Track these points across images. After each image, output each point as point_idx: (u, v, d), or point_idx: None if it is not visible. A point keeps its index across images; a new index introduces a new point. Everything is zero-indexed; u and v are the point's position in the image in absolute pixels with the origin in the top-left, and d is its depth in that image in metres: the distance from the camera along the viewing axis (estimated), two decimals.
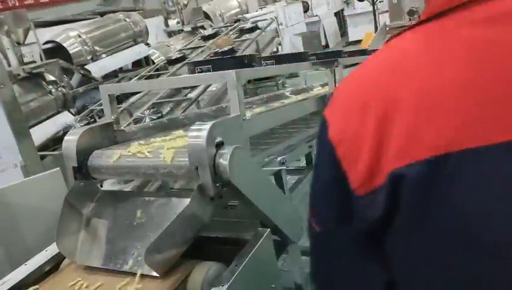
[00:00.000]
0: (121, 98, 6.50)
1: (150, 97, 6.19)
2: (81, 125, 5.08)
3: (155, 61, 8.00)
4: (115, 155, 1.64)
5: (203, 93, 5.74)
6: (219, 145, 1.46)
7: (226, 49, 6.77)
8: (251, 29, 7.90)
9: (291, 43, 9.91)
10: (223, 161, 1.42)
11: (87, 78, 6.52)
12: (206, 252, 1.56)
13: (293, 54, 2.69)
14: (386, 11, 10.97)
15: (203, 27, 9.55)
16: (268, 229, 1.56)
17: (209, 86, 5.93)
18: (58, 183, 2.09)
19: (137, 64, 8.11)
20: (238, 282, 1.34)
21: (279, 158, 1.93)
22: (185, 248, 1.42)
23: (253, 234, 1.56)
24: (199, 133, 1.42)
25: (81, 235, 1.64)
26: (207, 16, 10.12)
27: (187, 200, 1.50)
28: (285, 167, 1.90)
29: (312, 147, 2.22)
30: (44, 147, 4.87)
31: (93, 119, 5.72)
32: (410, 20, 7.32)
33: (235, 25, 8.54)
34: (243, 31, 7.98)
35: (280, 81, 8.05)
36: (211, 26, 9.58)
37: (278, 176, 1.87)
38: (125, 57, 7.05)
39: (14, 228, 2.02)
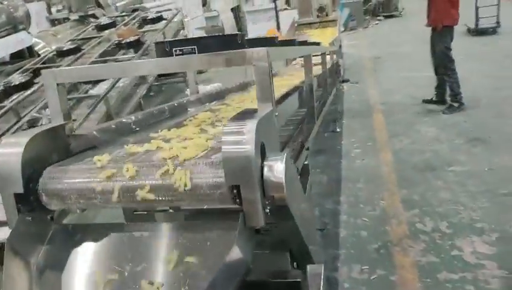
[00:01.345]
0: None
1: (41, 94, 5.26)
2: None
3: (41, 52, 6.87)
4: (88, 172, 1.09)
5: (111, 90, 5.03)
6: (262, 153, 1.01)
7: (131, 39, 6.05)
8: (154, 20, 7.21)
9: None
10: (276, 176, 0.98)
11: None
12: None
13: (261, 39, 2.29)
14: (285, 9, 11.09)
15: (94, 16, 8.53)
16: (323, 265, 1.15)
17: (118, 80, 5.22)
18: None
19: (17, 55, 6.89)
20: None
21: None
22: None
23: (303, 273, 1.14)
24: (241, 136, 0.96)
25: None
26: (98, 4, 9.09)
27: (208, 235, 1.03)
28: None
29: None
30: None
31: None
32: (318, 16, 7.36)
33: (135, 14, 7.76)
34: (145, 21, 7.26)
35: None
36: (104, 15, 8.60)
37: None
38: (4, 46, 5.88)
39: None
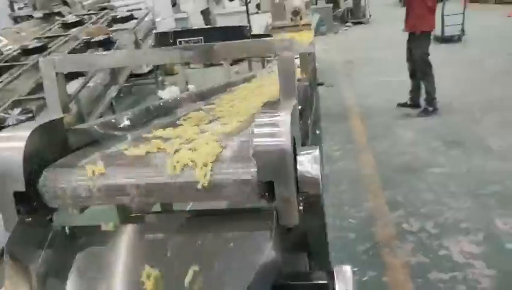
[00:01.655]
0: None
1: (5, 94, 5.02)
2: None
3: (4, 50, 6.52)
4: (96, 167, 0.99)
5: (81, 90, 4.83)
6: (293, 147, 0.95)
7: (101, 38, 5.84)
8: (125, 19, 7.00)
9: None
10: (311, 172, 0.92)
11: None
12: None
13: (260, 35, 2.22)
14: (256, 13, 11.09)
15: (60, 13, 8.20)
16: (349, 266, 1.09)
17: (89, 79, 5.03)
18: None
19: None
20: None
21: None
22: None
23: (327, 275, 1.07)
24: (276, 128, 0.89)
25: None
26: (64, 2, 8.74)
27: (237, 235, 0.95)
28: None
29: None
30: None
31: None
32: (292, 20, 7.36)
33: (103, 12, 7.51)
34: (115, 20, 7.03)
35: (160, 79, 7.30)
36: (70, 13, 8.28)
37: None
38: None
39: None
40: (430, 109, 4.90)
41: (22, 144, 0.97)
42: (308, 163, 0.92)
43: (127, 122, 1.48)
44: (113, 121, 1.39)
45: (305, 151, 0.95)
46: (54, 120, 1.12)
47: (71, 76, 4.91)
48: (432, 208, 3.05)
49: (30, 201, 0.99)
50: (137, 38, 6.64)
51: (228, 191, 0.93)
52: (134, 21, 6.96)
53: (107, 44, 5.81)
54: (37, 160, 1.02)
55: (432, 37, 5.13)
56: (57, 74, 1.16)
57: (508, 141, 4.05)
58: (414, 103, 5.16)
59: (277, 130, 0.89)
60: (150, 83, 7.48)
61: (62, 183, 1.00)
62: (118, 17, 7.08)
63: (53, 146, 1.10)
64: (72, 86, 4.64)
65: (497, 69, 6.71)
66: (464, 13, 8.67)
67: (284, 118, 0.91)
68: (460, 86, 5.94)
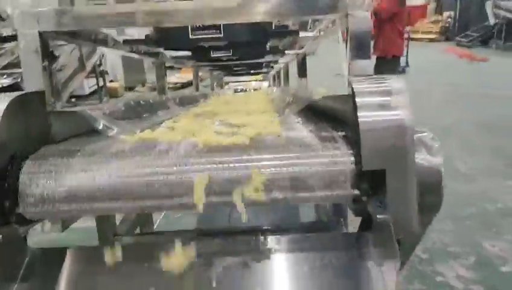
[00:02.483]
0: None
1: None
2: None
3: None
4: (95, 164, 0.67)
5: None
6: None
7: None
8: None
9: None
10: (430, 159, 0.66)
11: None
12: None
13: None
14: None
15: None
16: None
17: None
18: None
19: None
20: None
21: None
22: None
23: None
24: (389, 97, 0.63)
25: None
26: None
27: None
28: None
29: None
30: None
31: None
32: None
33: None
34: None
35: (104, 100, 6.81)
36: (4, 26, 7.59)
37: None
38: None
39: None
40: None
41: None
42: (425, 148, 0.67)
43: (113, 115, 1.15)
44: (101, 111, 1.05)
45: (418, 133, 0.69)
46: (34, 92, 0.78)
47: (11, 89, 4.37)
48: None
49: (4, 207, 0.64)
50: (82, 54, 6.17)
51: (314, 184, 0.64)
52: None
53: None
54: (15, 147, 0.67)
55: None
56: (40, 33, 0.83)
57: (473, 163, 4.08)
58: None
59: (391, 100, 0.63)
60: (93, 104, 6.95)
61: (49, 182, 0.66)
62: None
63: (33, 130, 0.76)
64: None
65: (440, 97, 6.99)
66: (408, 45, 9.06)
67: (398, 84, 0.65)
68: (413, 113, 6.05)
